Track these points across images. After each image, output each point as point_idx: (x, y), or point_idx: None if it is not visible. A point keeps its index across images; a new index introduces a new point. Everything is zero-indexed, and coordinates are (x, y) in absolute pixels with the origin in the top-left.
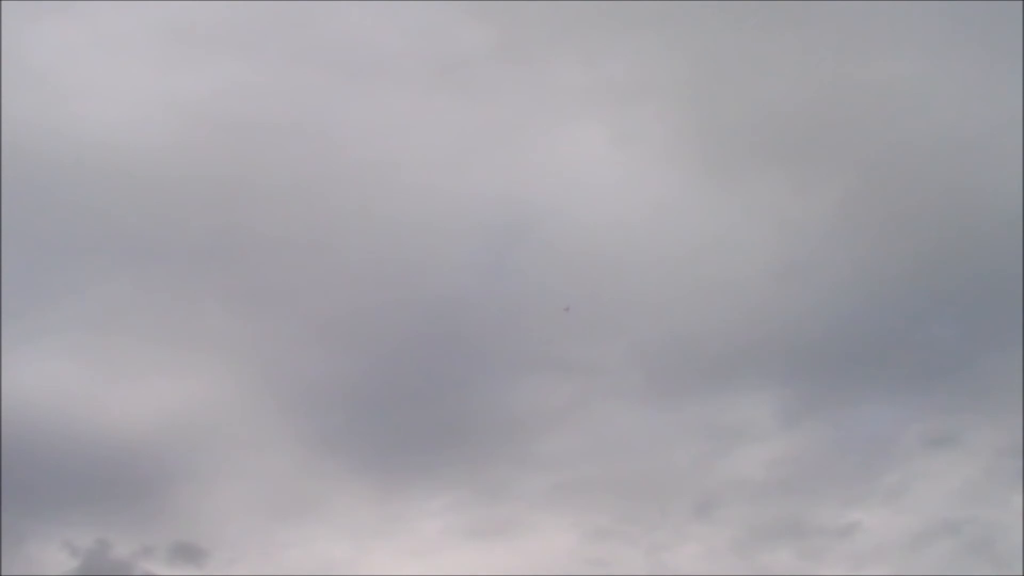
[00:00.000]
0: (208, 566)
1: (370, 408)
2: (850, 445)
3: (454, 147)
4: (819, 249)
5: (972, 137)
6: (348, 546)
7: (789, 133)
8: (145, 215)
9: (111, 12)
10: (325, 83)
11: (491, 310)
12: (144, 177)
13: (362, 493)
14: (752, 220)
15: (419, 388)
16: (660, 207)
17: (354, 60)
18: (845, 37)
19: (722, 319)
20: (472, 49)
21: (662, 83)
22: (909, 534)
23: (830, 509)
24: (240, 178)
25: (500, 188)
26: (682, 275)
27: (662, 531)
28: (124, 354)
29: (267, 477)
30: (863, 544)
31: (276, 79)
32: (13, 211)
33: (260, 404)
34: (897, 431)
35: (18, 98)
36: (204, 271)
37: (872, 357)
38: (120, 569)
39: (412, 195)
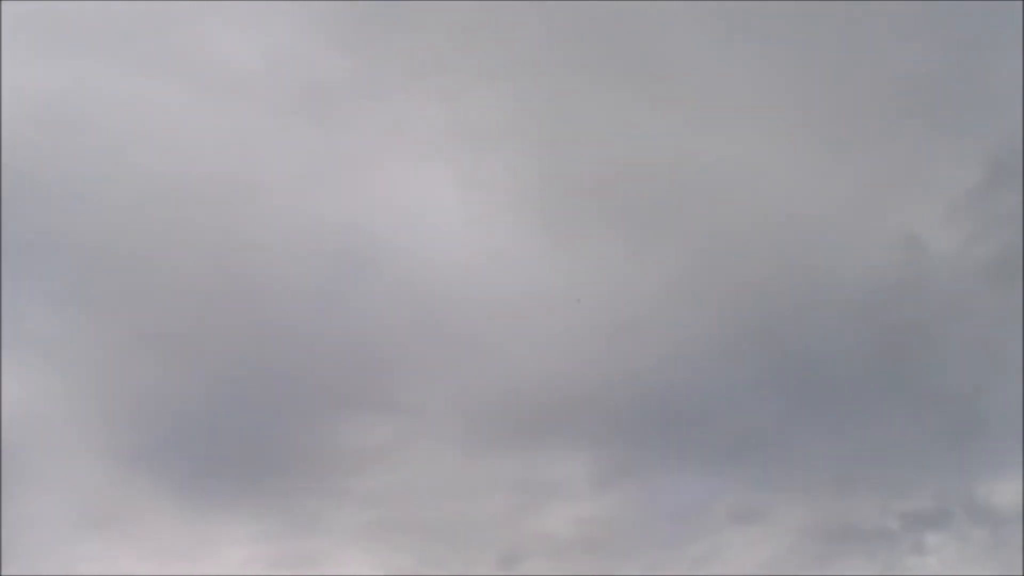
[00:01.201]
0: None
1: (191, 428)
2: (660, 511)
3: (302, 171)
4: (650, 313)
5: (811, 217)
6: (151, 566)
7: (633, 196)
8: None
9: None
10: (179, 93)
11: (323, 341)
12: None
13: (172, 513)
14: (587, 278)
15: (243, 413)
16: (499, 255)
17: (210, 74)
18: (695, 109)
19: (547, 373)
20: (331, 77)
21: (514, 133)
22: None
23: (634, 573)
24: (80, 179)
25: (345, 217)
26: (513, 326)
27: None
28: None
29: (75, 488)
30: None
31: (129, 83)
32: None
33: (79, 412)
34: (707, 502)
35: None
36: (29, 271)
37: (690, 426)
38: None
39: (257, 215)
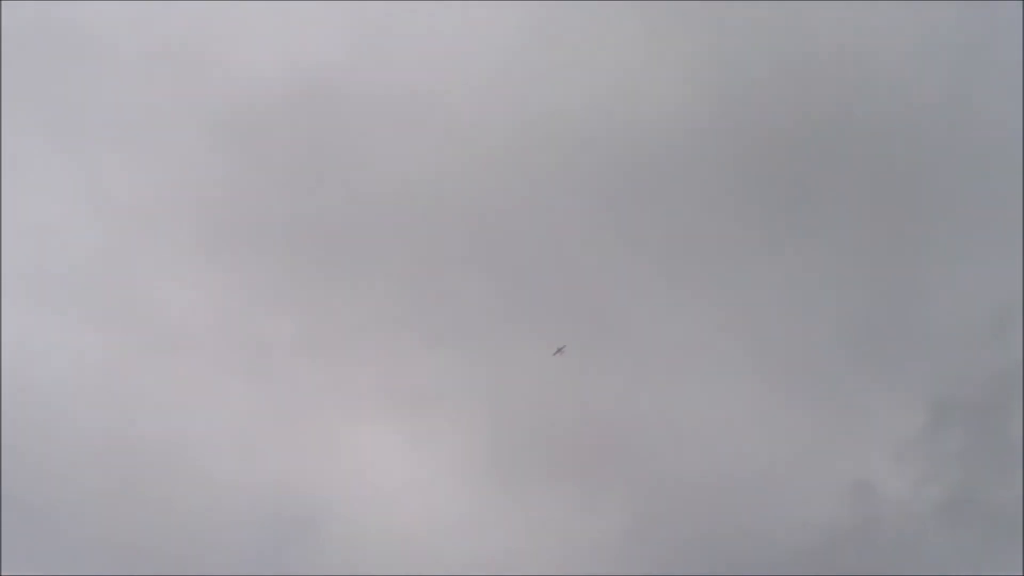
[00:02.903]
0: None
1: None
2: None
3: (242, 430)
4: (601, 566)
5: (760, 466)
6: None
7: (581, 450)
8: None
9: None
10: (124, 347)
11: None
12: None
13: None
14: (538, 533)
15: None
16: (448, 514)
17: (152, 330)
18: (640, 362)
19: None
20: (272, 335)
21: (459, 391)
22: None
23: None
24: (13, 436)
25: (285, 478)
26: None
27: None
28: None
29: None
30: None
31: (71, 335)
32: None
33: None
34: None
35: None
36: None
37: None
38: None
39: (194, 476)
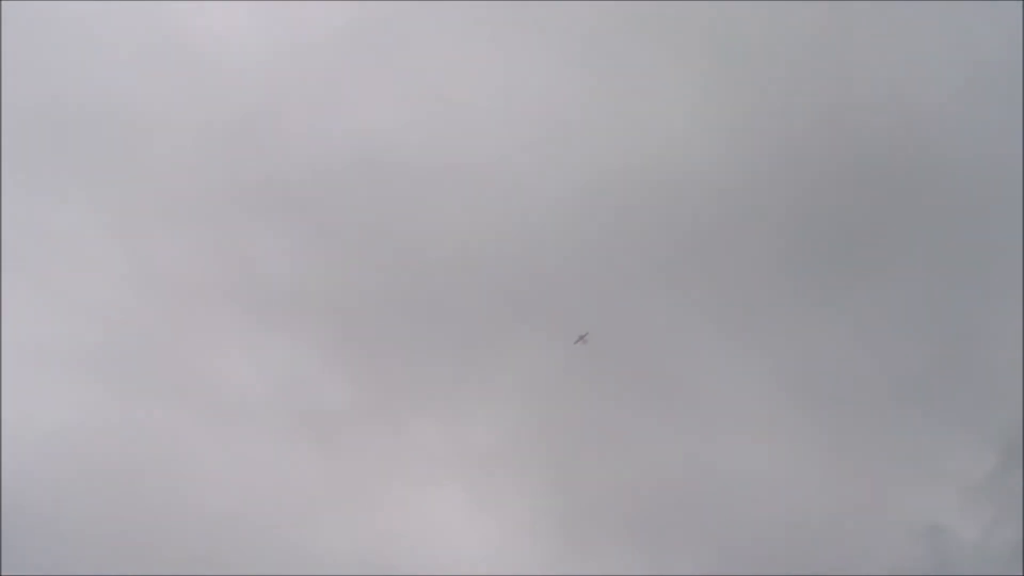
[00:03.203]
0: None
1: None
2: None
3: (309, 500)
4: None
5: (829, 516)
6: None
7: (647, 508)
8: None
9: None
10: (184, 421)
11: None
12: None
13: None
14: None
15: None
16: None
17: (214, 400)
18: (703, 419)
19: None
20: (333, 403)
21: (524, 452)
22: None
23: None
24: (85, 515)
25: (354, 546)
26: None
27: None
28: None
29: None
30: None
31: (135, 410)
32: None
33: None
34: None
35: None
36: None
37: None
38: None
39: (259, 548)
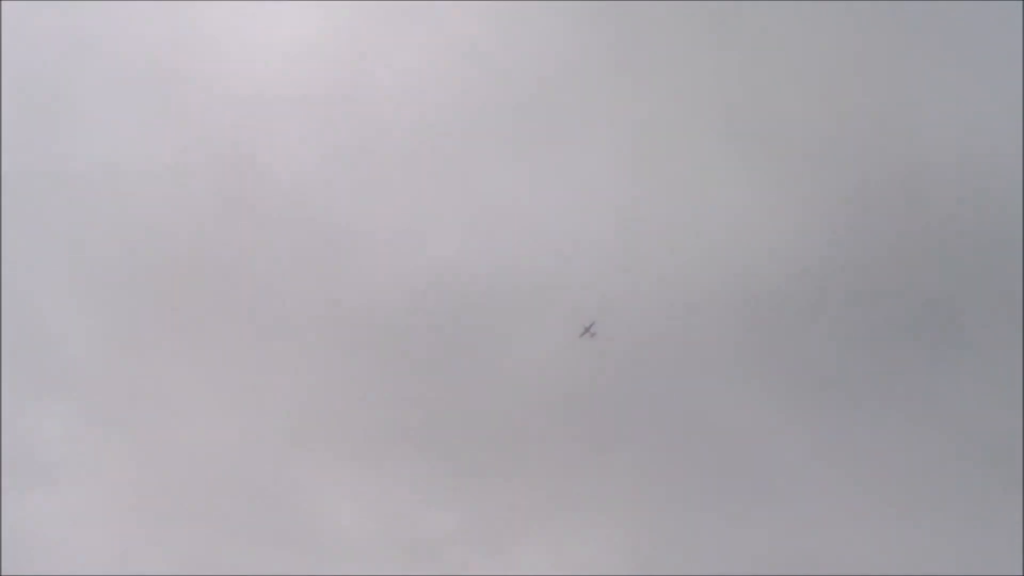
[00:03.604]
0: None
1: None
2: None
3: None
4: None
5: None
6: None
7: None
8: None
9: None
10: (295, 566)
11: None
12: None
13: None
14: None
15: None
16: None
17: (323, 543)
18: (787, 506)
19: None
20: (438, 531)
21: (632, 569)
22: None
23: None
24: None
25: None
26: None
27: None
28: None
29: None
30: None
31: (247, 560)
32: None
33: None
34: None
35: None
36: None
37: None
38: None
39: None
